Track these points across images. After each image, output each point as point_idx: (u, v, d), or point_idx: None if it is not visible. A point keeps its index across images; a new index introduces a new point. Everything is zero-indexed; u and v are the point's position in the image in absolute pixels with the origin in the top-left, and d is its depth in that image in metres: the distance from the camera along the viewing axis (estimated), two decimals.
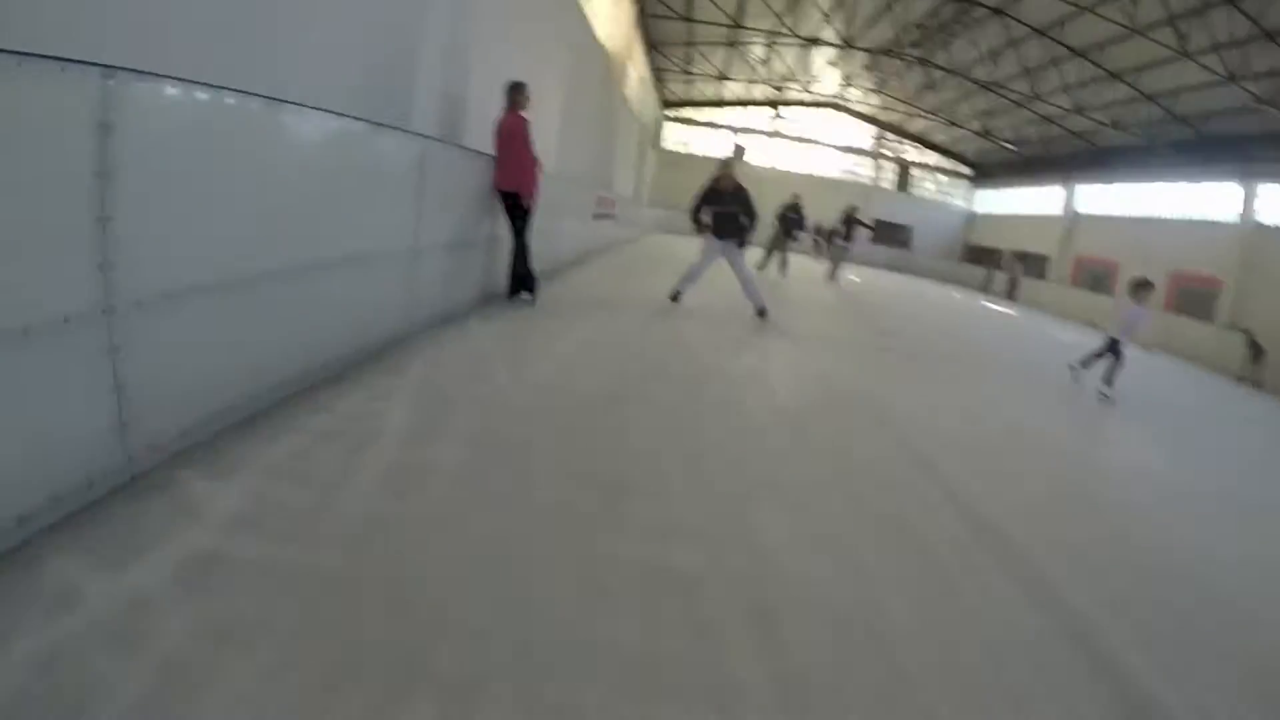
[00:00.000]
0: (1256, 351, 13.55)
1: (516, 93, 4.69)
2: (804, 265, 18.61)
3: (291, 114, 2.37)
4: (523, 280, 5.24)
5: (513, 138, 4.65)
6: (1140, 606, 2.18)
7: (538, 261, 5.31)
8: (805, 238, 13.25)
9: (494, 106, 4.83)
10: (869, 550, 2.19)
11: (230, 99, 2.00)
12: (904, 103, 25.71)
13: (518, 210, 4.91)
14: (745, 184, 6.39)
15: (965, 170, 30.86)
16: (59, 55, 1.42)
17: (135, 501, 1.68)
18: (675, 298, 6.57)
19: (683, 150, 28.33)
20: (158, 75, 1.71)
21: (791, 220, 13.00)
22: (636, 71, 19.84)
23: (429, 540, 1.78)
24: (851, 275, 17.53)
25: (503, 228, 5.02)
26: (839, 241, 13.81)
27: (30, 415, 1.46)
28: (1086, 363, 6.59)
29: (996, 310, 17.00)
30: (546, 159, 5.73)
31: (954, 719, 1.46)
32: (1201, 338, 15.30)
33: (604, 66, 15.67)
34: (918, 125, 28.71)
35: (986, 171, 29.83)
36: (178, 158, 1.83)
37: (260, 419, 2.29)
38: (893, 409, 4.19)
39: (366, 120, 2.93)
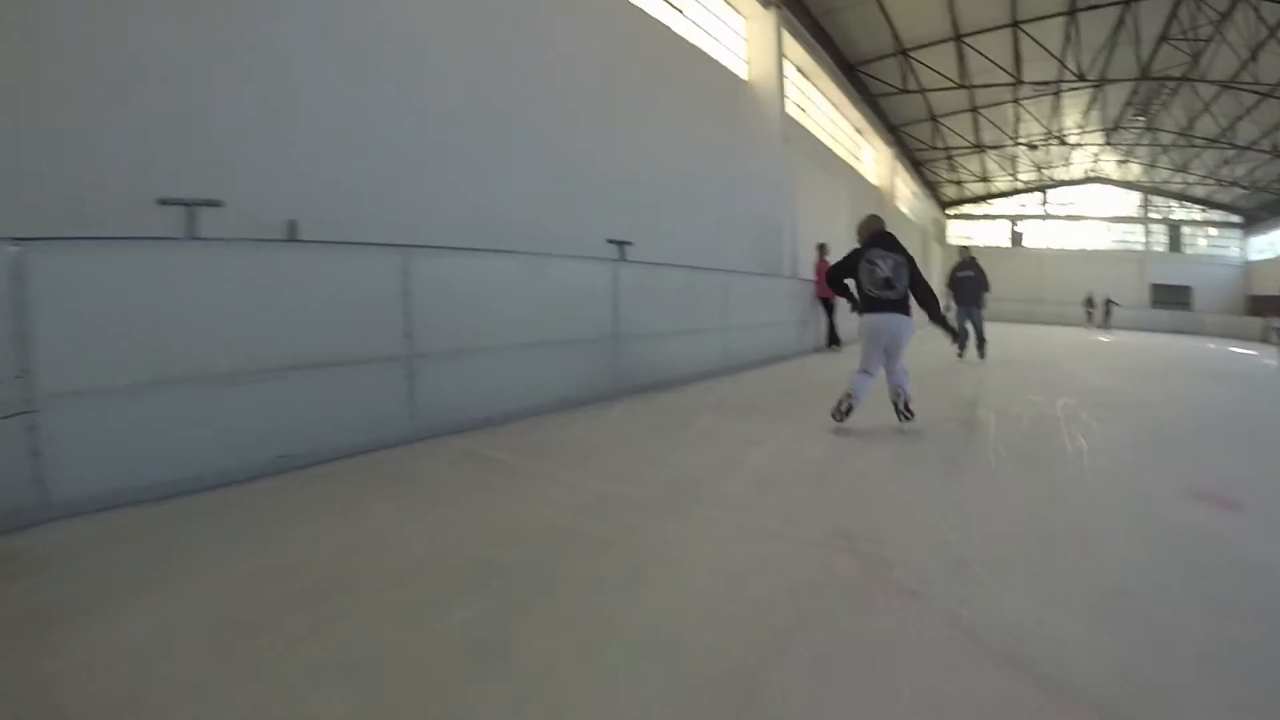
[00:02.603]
0: None
1: (823, 250, 9.63)
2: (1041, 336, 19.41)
3: (746, 277, 7.55)
4: (833, 339, 9.91)
5: (824, 273, 9.54)
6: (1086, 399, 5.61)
7: (841, 331, 9.94)
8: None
9: (808, 251, 9.87)
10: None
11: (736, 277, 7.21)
12: (1149, 166, 25.36)
13: (829, 306, 9.73)
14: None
15: (1234, 219, 27.82)
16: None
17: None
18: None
19: (966, 242, 30.77)
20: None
21: (965, 282, 9.48)
22: (907, 188, 23.98)
23: (800, 394, 6.38)
24: (1103, 338, 18.28)
25: (821, 315, 9.83)
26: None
27: None
28: None
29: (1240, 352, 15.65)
30: None
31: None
32: None
33: (876, 197, 20.38)
34: (1175, 185, 26.92)
35: (1254, 216, 26.52)
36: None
37: (734, 370, 7.31)
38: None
39: (777, 275, 8.07)
